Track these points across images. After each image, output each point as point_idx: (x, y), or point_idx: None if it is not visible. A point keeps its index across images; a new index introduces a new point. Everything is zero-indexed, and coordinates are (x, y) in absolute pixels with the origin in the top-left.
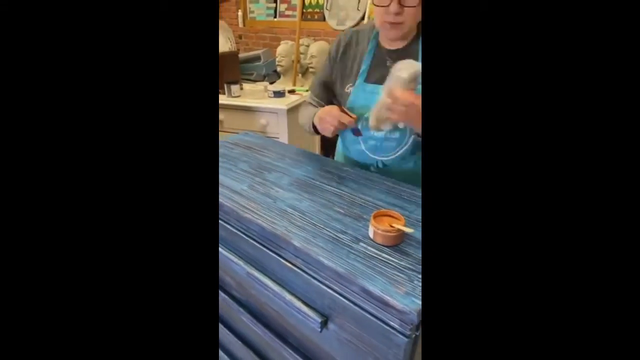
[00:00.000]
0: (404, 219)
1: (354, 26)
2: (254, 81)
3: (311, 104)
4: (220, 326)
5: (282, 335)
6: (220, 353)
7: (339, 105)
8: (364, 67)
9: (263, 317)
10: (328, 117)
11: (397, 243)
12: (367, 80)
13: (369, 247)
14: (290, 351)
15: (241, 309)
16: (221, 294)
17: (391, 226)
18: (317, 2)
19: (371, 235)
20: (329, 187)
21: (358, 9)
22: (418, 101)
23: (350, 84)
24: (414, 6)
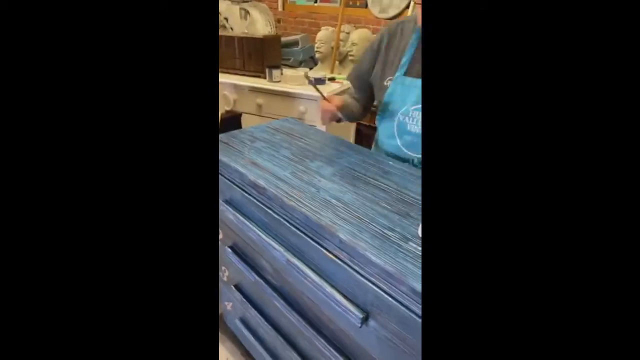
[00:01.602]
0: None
1: (397, 15)
2: (291, 66)
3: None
4: (251, 308)
5: (316, 326)
6: (247, 333)
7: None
8: (404, 60)
9: (297, 305)
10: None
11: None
12: (406, 73)
13: (420, 248)
14: (324, 342)
15: (275, 294)
16: (256, 277)
17: None
18: None
19: (421, 233)
20: (373, 180)
21: None
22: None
23: (390, 77)
24: None
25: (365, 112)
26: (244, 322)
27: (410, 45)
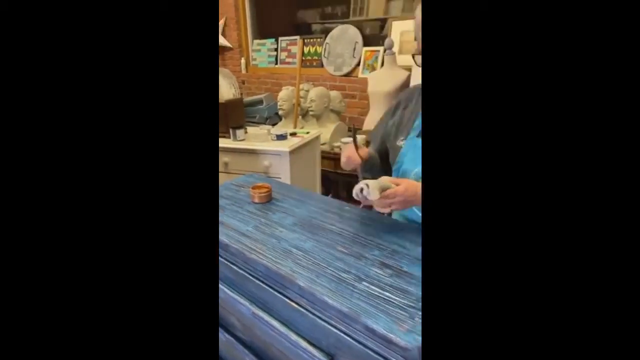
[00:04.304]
0: (270, 186)
1: (349, 72)
2: (257, 123)
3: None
4: None
5: None
6: None
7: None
8: (417, 122)
9: (267, 358)
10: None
11: (269, 200)
12: (419, 135)
13: (371, 286)
14: None
15: (246, 350)
16: (226, 335)
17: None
18: (316, 50)
19: (252, 200)
20: (331, 225)
21: (354, 56)
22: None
23: (403, 137)
24: None
25: (384, 166)
26: None
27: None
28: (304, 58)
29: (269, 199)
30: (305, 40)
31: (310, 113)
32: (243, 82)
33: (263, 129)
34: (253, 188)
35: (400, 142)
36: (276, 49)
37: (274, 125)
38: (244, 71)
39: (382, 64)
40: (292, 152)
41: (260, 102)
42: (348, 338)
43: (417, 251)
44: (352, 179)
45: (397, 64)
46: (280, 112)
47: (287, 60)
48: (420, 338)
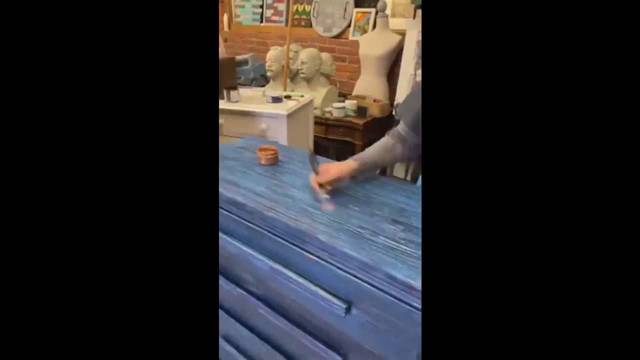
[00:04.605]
0: (276, 149)
1: (340, 34)
2: (243, 84)
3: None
4: (235, 322)
5: (301, 325)
6: (231, 349)
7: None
8: None
9: (282, 310)
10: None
11: (275, 162)
12: None
13: (388, 239)
14: (310, 338)
15: (259, 303)
16: (237, 290)
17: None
18: (304, 8)
19: (259, 162)
20: (340, 187)
21: (344, 17)
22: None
23: None
24: None
25: (417, 152)
26: (227, 339)
27: None
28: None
29: (275, 161)
30: None
31: (301, 76)
32: (225, 40)
33: (257, 91)
34: (260, 150)
35: None
36: (261, 6)
37: (261, 87)
38: (226, 29)
39: (374, 27)
40: (290, 116)
41: (245, 62)
42: (368, 286)
43: (418, 207)
44: (342, 145)
45: (389, 28)
46: (268, 74)
47: (273, 18)
48: None
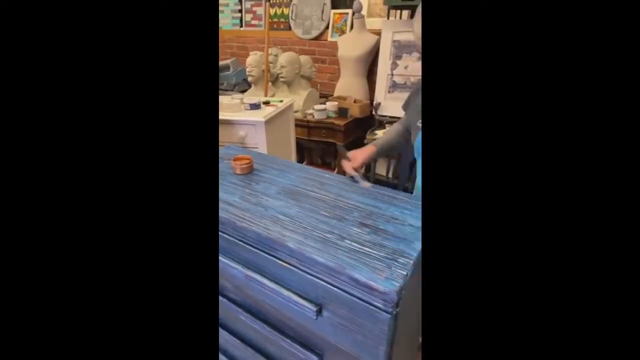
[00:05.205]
0: (251, 158)
1: (319, 35)
2: (225, 90)
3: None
4: (220, 329)
5: (279, 328)
6: (221, 356)
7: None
8: None
9: (261, 314)
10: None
11: (250, 171)
12: None
13: (353, 243)
14: (288, 341)
15: (240, 309)
16: (220, 298)
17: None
18: (283, 12)
19: (234, 172)
20: (313, 193)
21: (322, 19)
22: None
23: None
24: None
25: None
26: None
27: None
28: (270, 20)
29: (250, 170)
30: (271, 1)
31: (281, 80)
32: None
33: (235, 99)
34: (234, 160)
35: (419, 123)
36: (240, 10)
37: (242, 92)
38: None
39: (352, 28)
40: (268, 122)
41: (227, 67)
42: (335, 289)
43: (390, 211)
44: (325, 145)
45: (366, 28)
46: (249, 79)
47: (253, 22)
48: (397, 283)
